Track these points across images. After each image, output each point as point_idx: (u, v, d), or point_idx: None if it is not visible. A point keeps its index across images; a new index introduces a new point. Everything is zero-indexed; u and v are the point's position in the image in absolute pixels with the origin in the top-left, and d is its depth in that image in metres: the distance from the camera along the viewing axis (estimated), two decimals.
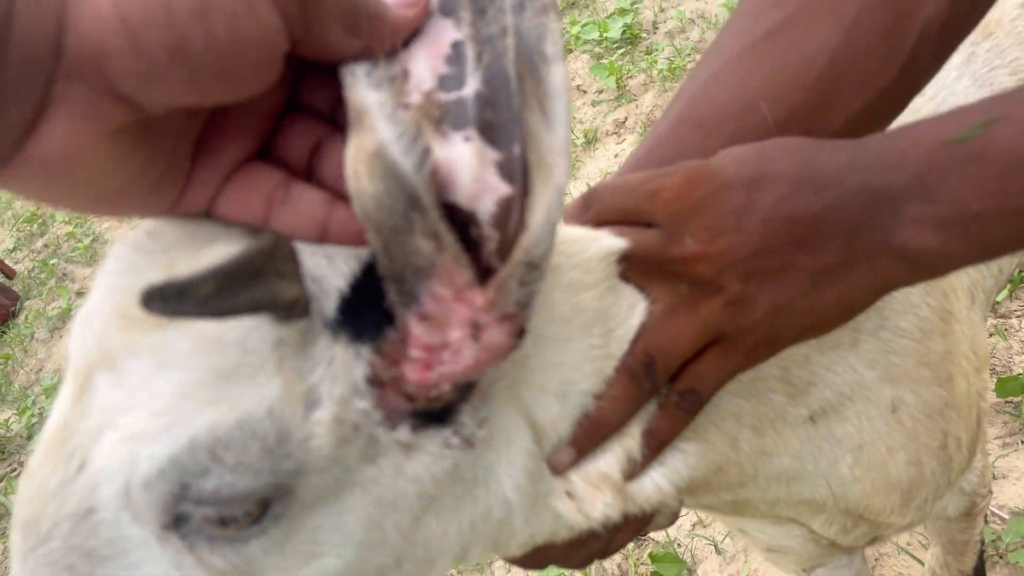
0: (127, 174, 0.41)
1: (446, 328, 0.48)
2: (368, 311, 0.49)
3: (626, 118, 3.41)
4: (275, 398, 0.47)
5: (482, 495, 0.58)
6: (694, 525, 2.01)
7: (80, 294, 4.38)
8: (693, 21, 3.63)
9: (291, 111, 0.49)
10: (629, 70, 3.56)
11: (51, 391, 3.67)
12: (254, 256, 0.40)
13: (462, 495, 0.57)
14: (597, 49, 3.82)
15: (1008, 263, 1.08)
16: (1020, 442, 1.87)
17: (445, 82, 0.46)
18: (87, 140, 0.37)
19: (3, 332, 4.44)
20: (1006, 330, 2.09)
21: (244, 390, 0.47)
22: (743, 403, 0.68)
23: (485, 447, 0.56)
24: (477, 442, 0.55)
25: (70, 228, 5.12)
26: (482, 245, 0.46)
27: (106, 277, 0.51)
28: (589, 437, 0.60)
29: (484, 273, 0.47)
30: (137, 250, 0.51)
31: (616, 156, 3.30)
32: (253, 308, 0.41)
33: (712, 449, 0.66)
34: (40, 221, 5.44)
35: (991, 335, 2.09)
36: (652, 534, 2.05)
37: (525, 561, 0.68)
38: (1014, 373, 1.96)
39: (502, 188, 0.46)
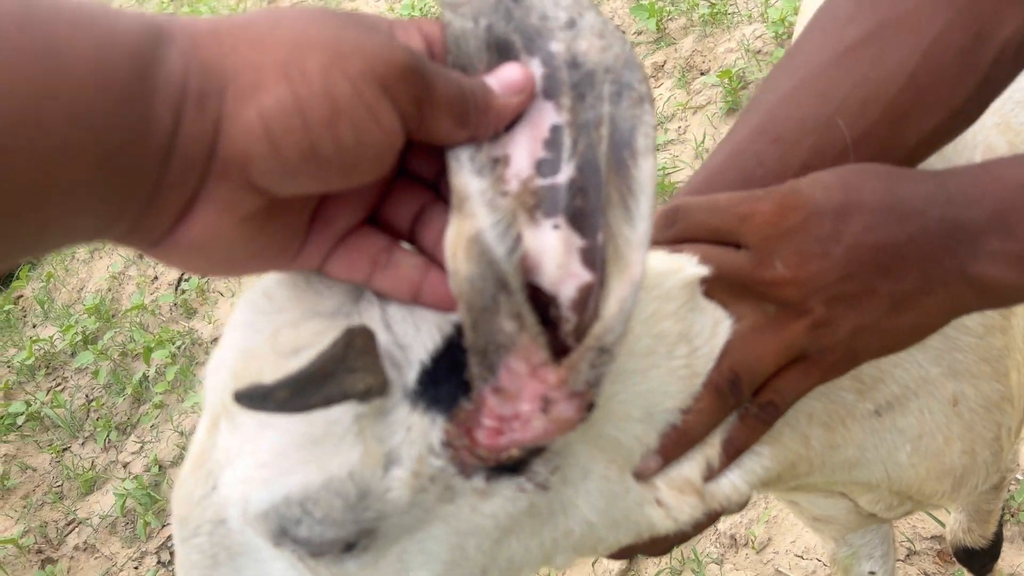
0: (254, 248, 0.46)
1: (518, 401, 0.51)
2: (445, 381, 0.53)
3: (665, 62, 3.39)
4: (355, 463, 0.53)
5: (561, 521, 0.62)
6: None
7: None
8: None
9: (398, 177, 0.52)
10: (669, 12, 3.52)
11: (92, 311, 3.79)
12: (324, 363, 0.46)
13: (541, 524, 0.62)
14: None
15: None
16: None
17: (542, 166, 0.49)
18: (226, 226, 0.43)
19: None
20: None
21: (330, 454, 0.53)
22: (816, 404, 0.72)
23: (561, 485, 0.60)
24: (551, 485, 0.59)
25: None
26: (560, 324, 0.50)
27: (231, 330, 0.59)
28: (676, 447, 0.63)
29: (559, 349, 0.50)
30: (255, 310, 0.57)
31: (653, 101, 3.30)
32: (327, 403, 0.47)
33: (785, 449, 0.70)
34: None
35: None
36: None
37: (612, 555, 0.72)
38: None
39: (584, 276, 0.49)
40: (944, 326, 0.62)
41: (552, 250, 0.48)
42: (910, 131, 0.68)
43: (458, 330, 0.53)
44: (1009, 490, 1.80)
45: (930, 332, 0.63)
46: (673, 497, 0.65)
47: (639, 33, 3.56)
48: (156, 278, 3.88)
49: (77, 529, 2.91)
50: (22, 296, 4.31)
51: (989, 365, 0.84)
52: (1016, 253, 0.57)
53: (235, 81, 0.39)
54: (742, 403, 0.63)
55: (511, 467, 0.57)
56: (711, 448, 0.65)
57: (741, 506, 0.76)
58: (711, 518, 0.69)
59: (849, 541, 1.25)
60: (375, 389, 0.50)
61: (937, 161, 0.78)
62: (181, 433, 3.01)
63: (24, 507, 3.05)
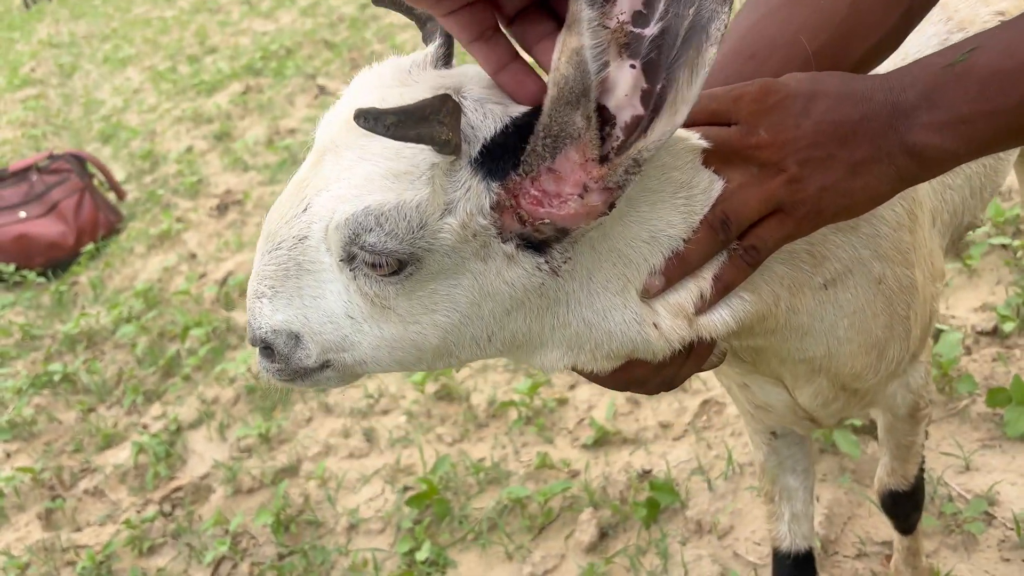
0: None
1: (563, 183, 0.68)
2: (500, 159, 0.70)
3: None
4: (423, 199, 0.70)
5: (562, 312, 0.79)
6: (694, 471, 2.24)
7: (180, 220, 4.80)
8: None
9: (540, 10, 0.71)
10: None
11: (141, 294, 4.06)
12: (424, 107, 0.62)
13: (545, 308, 0.79)
14: None
15: (961, 210, 1.34)
16: (998, 445, 2.07)
17: (636, 18, 0.64)
18: None
19: (106, 245, 4.88)
20: (1008, 359, 2.29)
21: (406, 188, 0.70)
22: (783, 268, 0.89)
23: (568, 278, 0.77)
24: (562, 273, 0.76)
25: (180, 167, 5.58)
26: (609, 140, 0.66)
27: (345, 96, 0.80)
28: (676, 270, 0.79)
29: (601, 159, 0.67)
30: (366, 83, 0.79)
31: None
32: (419, 140, 0.64)
33: (761, 300, 0.87)
34: (153, 160, 5.93)
35: (994, 360, 2.29)
36: (655, 472, 2.28)
37: (610, 380, 0.87)
38: None
39: (638, 109, 0.65)
40: (892, 196, 0.80)
41: (624, 82, 0.65)
42: (854, 48, 0.89)
43: (514, 124, 0.70)
44: (959, 506, 1.92)
45: (880, 200, 0.80)
46: (668, 320, 0.80)
47: None
48: (204, 275, 4.15)
49: (89, 476, 3.07)
50: (77, 282, 4.61)
51: (901, 254, 1.05)
52: (940, 121, 0.74)
53: None
54: (730, 241, 0.79)
55: (536, 247, 0.74)
56: (704, 281, 0.81)
57: (719, 357, 0.94)
58: (695, 356, 0.85)
59: (777, 450, 1.41)
60: (451, 144, 0.66)
61: None
62: (203, 401, 3.20)
63: (45, 452, 3.23)
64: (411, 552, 2.25)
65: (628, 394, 2.59)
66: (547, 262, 0.75)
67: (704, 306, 0.81)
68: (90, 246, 4.76)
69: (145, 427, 3.23)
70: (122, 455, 3.10)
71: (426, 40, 0.83)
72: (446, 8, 0.67)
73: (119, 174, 5.83)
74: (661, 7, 0.64)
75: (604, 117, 0.67)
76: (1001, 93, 0.73)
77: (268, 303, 0.81)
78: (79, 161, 4.98)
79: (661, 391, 0.92)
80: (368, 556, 2.30)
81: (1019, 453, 2.03)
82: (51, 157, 4.94)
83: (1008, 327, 2.35)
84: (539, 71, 0.74)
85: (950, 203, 1.29)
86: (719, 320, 0.83)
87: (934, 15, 1.32)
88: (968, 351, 2.38)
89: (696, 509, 2.11)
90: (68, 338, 3.93)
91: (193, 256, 4.39)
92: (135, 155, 6.07)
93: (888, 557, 1.91)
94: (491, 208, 0.72)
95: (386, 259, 0.73)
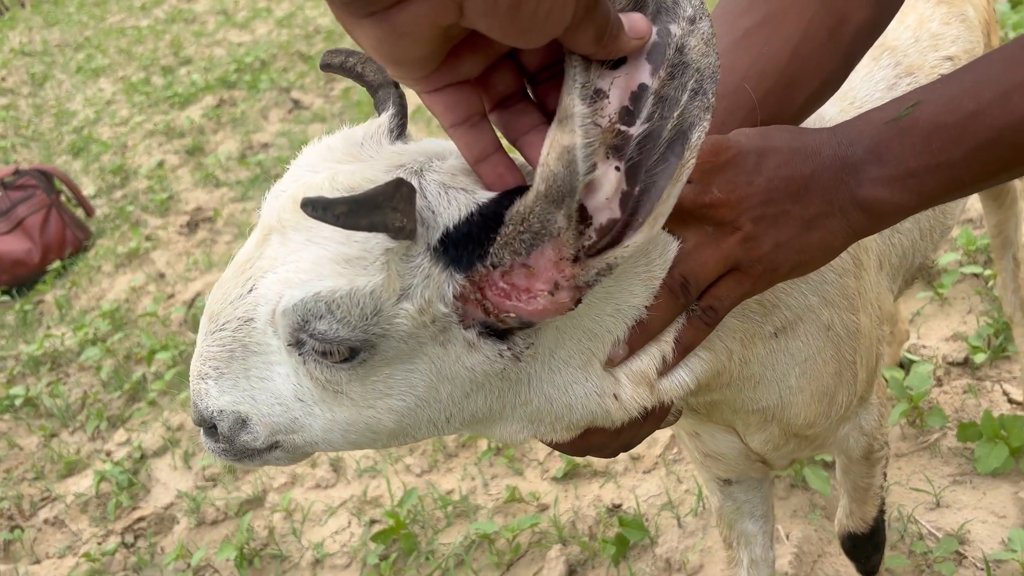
0: (424, 55, 0.58)
1: (535, 279, 0.65)
2: (463, 248, 0.66)
3: None
4: (376, 285, 0.66)
5: (523, 390, 0.77)
6: (664, 505, 2.21)
7: (149, 238, 4.73)
8: None
9: (526, 100, 0.68)
10: None
11: (107, 315, 3.98)
12: (377, 194, 0.57)
13: (507, 388, 0.76)
14: None
15: (911, 252, 1.32)
16: (968, 481, 2.06)
17: (623, 114, 0.62)
18: (424, 25, 0.53)
19: (73, 263, 4.80)
20: (978, 391, 2.28)
21: (358, 273, 0.66)
22: (735, 322, 0.88)
23: (530, 361, 0.74)
24: (524, 358, 0.73)
25: (150, 183, 5.51)
26: (581, 238, 0.64)
27: (294, 168, 0.76)
28: (639, 337, 0.77)
29: (573, 257, 0.65)
30: (317, 156, 0.75)
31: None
32: (371, 228, 0.58)
33: (716, 357, 0.86)
34: (123, 175, 5.85)
35: (965, 392, 2.28)
36: (624, 506, 2.25)
37: (569, 447, 0.85)
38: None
39: (616, 213, 0.64)
40: (845, 249, 0.78)
41: (608, 185, 0.63)
42: (798, 93, 0.88)
43: (480, 212, 0.67)
44: (929, 545, 1.91)
45: (834, 253, 0.78)
46: (629, 388, 0.78)
47: None
48: (172, 296, 4.09)
49: (50, 505, 3.00)
50: (43, 301, 4.53)
51: (847, 300, 1.04)
52: (888, 175, 0.74)
53: None
54: (690, 303, 0.77)
55: (499, 334, 0.71)
56: (666, 345, 0.79)
57: (676, 415, 0.92)
58: (653, 418, 0.83)
59: (733, 496, 1.39)
60: (406, 231, 0.61)
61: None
62: (168, 427, 3.14)
63: (5, 479, 3.16)
64: None
65: None
66: (509, 348, 0.72)
67: (666, 369, 0.80)
68: (56, 264, 4.68)
69: (108, 454, 3.16)
70: (84, 483, 3.03)
71: (378, 108, 0.79)
72: (431, 85, 0.63)
73: (88, 189, 5.75)
74: (648, 107, 0.62)
75: (581, 216, 0.64)
76: (945, 147, 0.72)
77: (214, 384, 0.77)
78: (46, 177, 4.90)
79: (620, 453, 0.89)
80: None
81: (990, 490, 2.02)
82: (17, 172, 4.86)
83: (979, 358, 2.34)
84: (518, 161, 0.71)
85: (898, 247, 1.28)
86: (679, 382, 0.81)
87: (883, 60, 1.31)
88: (939, 382, 2.37)
89: (666, 547, 2.07)
90: (32, 360, 3.85)
91: (161, 276, 4.32)
92: (105, 169, 5.99)
93: None
94: (454, 297, 0.68)
95: (337, 347, 0.69)
